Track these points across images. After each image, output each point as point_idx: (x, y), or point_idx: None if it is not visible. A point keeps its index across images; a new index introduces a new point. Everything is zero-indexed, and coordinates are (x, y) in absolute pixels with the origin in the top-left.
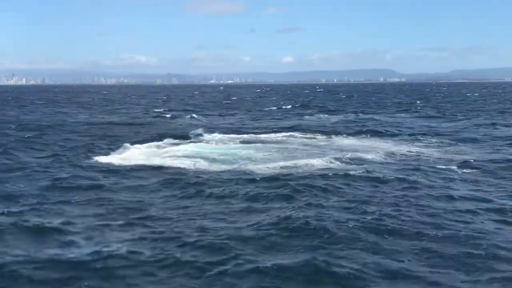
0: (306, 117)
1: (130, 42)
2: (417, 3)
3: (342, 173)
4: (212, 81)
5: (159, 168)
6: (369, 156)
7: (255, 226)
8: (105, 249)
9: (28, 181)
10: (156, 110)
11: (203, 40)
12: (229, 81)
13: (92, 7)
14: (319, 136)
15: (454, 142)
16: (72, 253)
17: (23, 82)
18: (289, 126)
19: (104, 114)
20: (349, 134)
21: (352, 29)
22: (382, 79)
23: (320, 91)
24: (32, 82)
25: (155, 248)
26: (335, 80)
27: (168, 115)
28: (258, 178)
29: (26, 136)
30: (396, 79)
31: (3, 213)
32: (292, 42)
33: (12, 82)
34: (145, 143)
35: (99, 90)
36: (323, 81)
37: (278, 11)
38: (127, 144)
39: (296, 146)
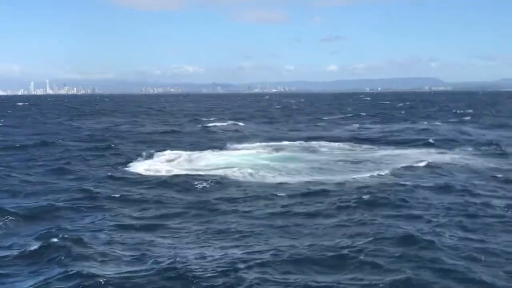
0: (355, 125)
1: (178, 52)
2: (464, 10)
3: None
4: (256, 90)
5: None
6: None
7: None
8: None
9: None
10: (200, 119)
11: (248, 50)
12: (273, 90)
13: (142, 18)
14: (366, 146)
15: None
16: None
17: (74, 91)
18: (334, 135)
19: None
20: (394, 144)
21: (397, 37)
22: (427, 88)
23: (366, 99)
24: (82, 92)
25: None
26: (380, 89)
27: (211, 124)
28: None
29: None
30: (442, 88)
31: None
32: (337, 51)
33: (63, 91)
34: (184, 150)
35: (146, 100)
36: (367, 89)
37: (323, 20)
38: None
39: (339, 157)
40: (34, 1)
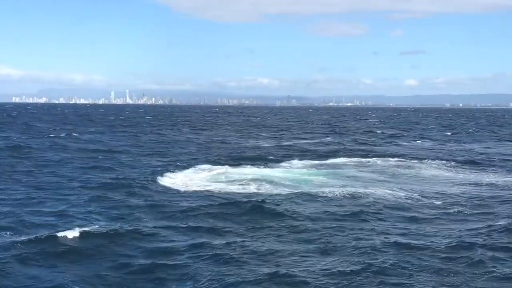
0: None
1: (253, 64)
2: None
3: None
4: (331, 104)
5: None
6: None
7: None
8: None
9: None
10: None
11: (324, 63)
12: (348, 104)
13: (218, 30)
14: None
15: None
16: None
17: (152, 101)
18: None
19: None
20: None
21: (480, 52)
22: (511, 105)
23: (448, 116)
24: (160, 102)
25: None
26: (461, 105)
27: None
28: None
29: None
30: None
31: None
32: (416, 65)
33: (142, 101)
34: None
35: (220, 110)
36: (448, 105)
37: (403, 34)
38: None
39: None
40: (112, 14)
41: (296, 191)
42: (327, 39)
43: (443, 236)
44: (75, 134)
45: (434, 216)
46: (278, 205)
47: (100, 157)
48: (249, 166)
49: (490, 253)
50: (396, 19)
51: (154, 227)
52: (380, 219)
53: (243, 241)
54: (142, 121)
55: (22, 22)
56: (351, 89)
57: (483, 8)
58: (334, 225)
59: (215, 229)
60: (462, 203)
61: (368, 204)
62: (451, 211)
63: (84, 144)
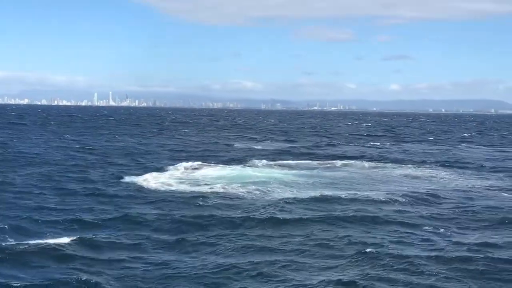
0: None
1: (239, 68)
2: None
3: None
4: (315, 108)
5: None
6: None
7: None
8: None
9: None
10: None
11: (308, 67)
12: (332, 108)
13: (204, 33)
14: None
15: None
16: None
17: (136, 104)
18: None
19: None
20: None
21: (462, 58)
22: (492, 110)
23: (426, 121)
24: (144, 104)
25: None
26: (443, 110)
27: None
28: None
29: None
30: (508, 111)
31: None
32: (399, 70)
33: (125, 103)
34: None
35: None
36: (430, 110)
37: (387, 39)
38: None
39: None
40: (97, 15)
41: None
42: (313, 43)
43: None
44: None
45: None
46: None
47: None
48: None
49: None
50: (381, 24)
51: None
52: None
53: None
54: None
55: (4, 23)
56: (335, 93)
57: (467, 14)
58: None
59: None
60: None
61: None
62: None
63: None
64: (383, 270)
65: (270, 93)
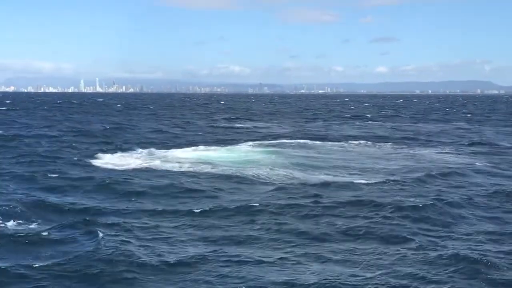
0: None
1: (225, 52)
2: None
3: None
4: (302, 91)
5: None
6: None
7: None
8: None
9: None
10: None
11: (295, 50)
12: (320, 91)
13: (189, 18)
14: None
15: None
16: None
17: (123, 90)
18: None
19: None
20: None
21: (449, 39)
22: (479, 91)
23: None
24: (131, 90)
25: None
26: (430, 91)
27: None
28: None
29: None
30: (495, 91)
31: None
32: (386, 52)
33: (112, 89)
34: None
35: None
36: (417, 92)
37: (373, 21)
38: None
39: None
40: (84, 1)
41: None
42: (298, 26)
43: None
44: None
45: None
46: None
47: None
48: None
49: None
50: (366, 6)
51: None
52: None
53: None
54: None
55: None
56: (323, 76)
57: None
58: None
59: None
60: None
61: None
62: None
63: None
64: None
65: (257, 77)
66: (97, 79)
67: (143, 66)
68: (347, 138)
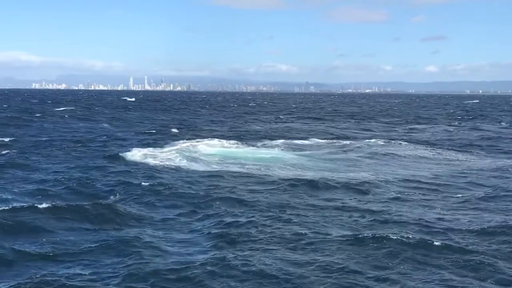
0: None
1: (273, 51)
2: None
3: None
4: (349, 90)
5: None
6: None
7: None
8: None
9: None
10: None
11: (344, 49)
12: (367, 90)
13: (238, 17)
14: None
15: None
16: None
17: (171, 88)
18: None
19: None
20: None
21: (502, 38)
22: None
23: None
24: (178, 89)
25: None
26: (481, 91)
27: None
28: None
29: None
30: None
31: None
32: (437, 51)
33: (160, 87)
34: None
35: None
36: (468, 92)
37: (425, 19)
38: None
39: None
40: (134, 1)
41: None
42: (347, 25)
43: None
44: None
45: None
46: None
47: None
48: None
49: None
50: (417, 4)
51: None
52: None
53: None
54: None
55: (43, 9)
56: (370, 75)
57: None
58: None
59: None
60: None
61: None
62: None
63: None
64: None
65: (304, 76)
66: (145, 77)
67: (191, 64)
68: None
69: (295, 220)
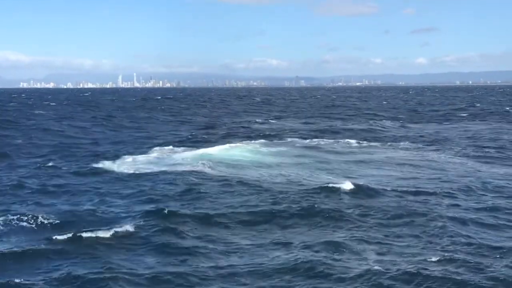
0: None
1: (263, 46)
2: None
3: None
4: (340, 84)
5: None
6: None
7: None
8: None
9: None
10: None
11: (333, 43)
12: (357, 83)
13: (226, 12)
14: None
15: None
16: None
17: (160, 84)
18: None
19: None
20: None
21: (492, 29)
22: None
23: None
24: (168, 85)
25: None
26: (470, 82)
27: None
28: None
29: None
30: None
31: None
32: (427, 43)
33: (149, 85)
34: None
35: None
36: (457, 83)
37: (415, 11)
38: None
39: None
40: None
41: None
42: (337, 18)
43: None
44: None
45: None
46: None
47: None
48: None
49: None
50: None
51: None
52: None
53: None
54: None
55: (31, 8)
56: (361, 68)
57: None
58: None
59: None
60: None
61: None
62: None
63: None
64: None
65: (295, 71)
66: (134, 74)
67: (180, 60)
68: None
69: None
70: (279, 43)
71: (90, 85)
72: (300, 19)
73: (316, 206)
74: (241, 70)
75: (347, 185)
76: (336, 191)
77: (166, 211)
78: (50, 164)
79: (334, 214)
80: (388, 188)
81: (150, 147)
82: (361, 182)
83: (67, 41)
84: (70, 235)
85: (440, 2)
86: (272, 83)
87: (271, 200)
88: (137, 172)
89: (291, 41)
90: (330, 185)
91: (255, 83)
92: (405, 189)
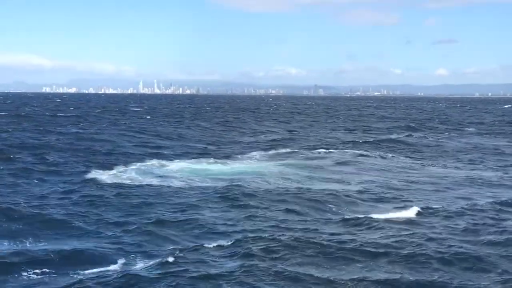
0: None
1: (282, 54)
2: None
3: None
4: (358, 93)
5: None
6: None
7: None
8: None
9: None
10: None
11: (353, 52)
12: (375, 93)
13: (247, 20)
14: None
15: None
16: None
17: (180, 91)
18: None
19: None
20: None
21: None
22: None
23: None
24: (187, 92)
25: None
26: (490, 94)
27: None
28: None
29: None
30: None
31: None
32: (447, 54)
33: (169, 91)
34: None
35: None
36: (477, 94)
37: (437, 22)
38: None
39: None
40: (143, 5)
41: None
42: (358, 28)
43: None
44: None
45: None
46: None
47: None
48: None
49: None
50: (430, 8)
51: None
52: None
53: None
54: None
55: (54, 13)
56: (380, 78)
57: None
58: None
59: None
60: None
61: None
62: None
63: None
64: None
65: (313, 80)
66: (155, 80)
67: (201, 67)
68: None
69: None
70: (298, 52)
71: (111, 91)
72: (321, 28)
73: None
74: (260, 78)
75: None
76: None
77: None
78: None
79: None
80: None
81: None
82: None
83: (89, 47)
84: None
85: (462, 14)
86: (290, 92)
87: None
88: None
89: (311, 50)
90: None
91: (273, 92)
92: None
